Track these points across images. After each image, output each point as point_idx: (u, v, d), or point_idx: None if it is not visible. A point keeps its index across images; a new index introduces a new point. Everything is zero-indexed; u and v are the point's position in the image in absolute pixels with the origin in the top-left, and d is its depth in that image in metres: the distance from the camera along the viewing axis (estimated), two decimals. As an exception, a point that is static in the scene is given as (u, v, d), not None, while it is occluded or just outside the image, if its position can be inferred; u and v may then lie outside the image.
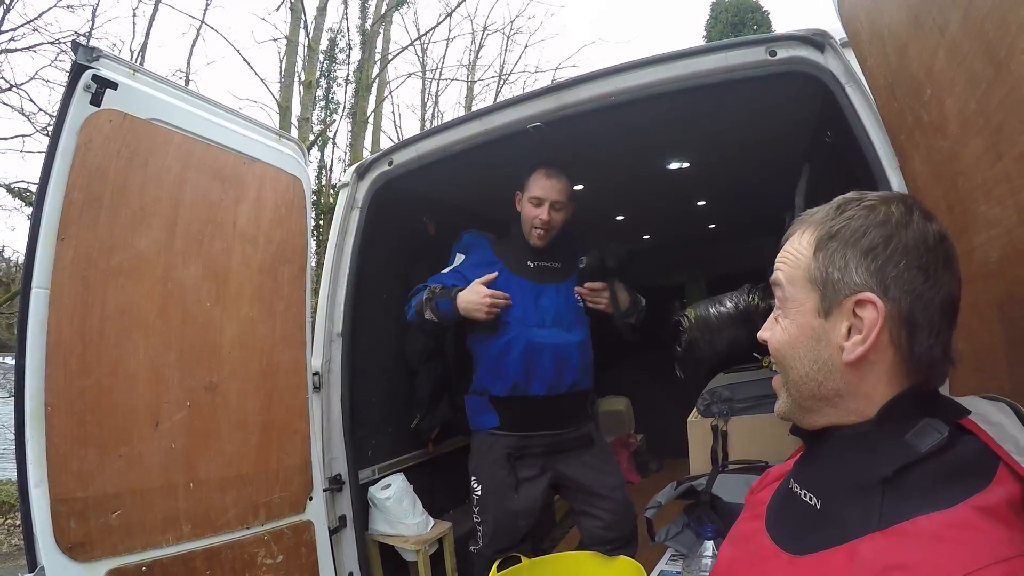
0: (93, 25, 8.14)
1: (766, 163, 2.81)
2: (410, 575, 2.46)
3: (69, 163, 1.40)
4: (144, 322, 1.55)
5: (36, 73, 7.82)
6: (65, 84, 1.44)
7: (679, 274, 5.51)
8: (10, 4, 7.01)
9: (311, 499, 1.91)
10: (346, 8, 11.95)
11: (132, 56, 8.76)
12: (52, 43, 7.30)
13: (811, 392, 0.72)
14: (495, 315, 1.99)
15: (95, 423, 1.42)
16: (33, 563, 1.31)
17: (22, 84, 7.29)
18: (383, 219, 2.43)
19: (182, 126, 1.65)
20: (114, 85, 1.46)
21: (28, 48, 7.26)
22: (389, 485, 2.39)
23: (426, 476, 2.68)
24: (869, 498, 0.63)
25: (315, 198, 9.15)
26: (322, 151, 11.76)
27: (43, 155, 1.40)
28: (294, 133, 9.31)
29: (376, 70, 12.22)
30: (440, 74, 14.83)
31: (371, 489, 2.37)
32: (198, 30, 9.93)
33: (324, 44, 11.60)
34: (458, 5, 13.61)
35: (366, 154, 10.11)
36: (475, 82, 15.15)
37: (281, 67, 10.70)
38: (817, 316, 0.71)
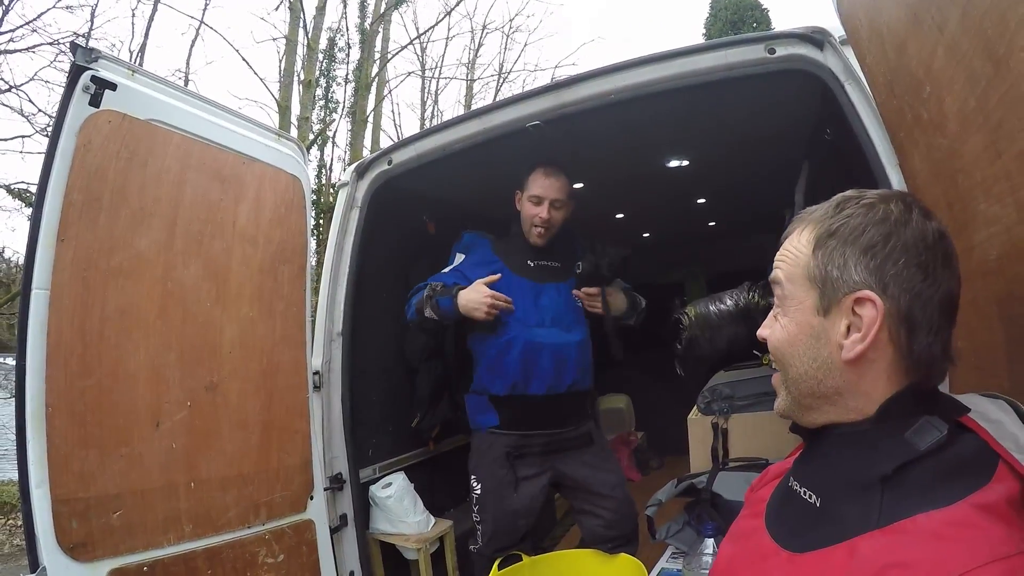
0: (92, 26, 8.13)
1: (766, 161, 2.81)
2: (411, 574, 2.46)
3: (68, 164, 1.40)
4: (144, 322, 1.55)
5: (35, 74, 7.81)
6: (64, 85, 1.44)
7: (679, 272, 5.51)
8: (9, 5, 7.00)
9: (312, 498, 1.91)
10: (345, 7, 11.94)
11: (131, 56, 8.75)
12: (51, 44, 7.29)
13: (810, 390, 0.72)
14: (494, 316, 1.99)
15: (96, 423, 1.43)
16: (35, 563, 1.32)
17: (21, 85, 7.29)
18: (383, 218, 2.43)
19: (181, 126, 1.65)
20: (113, 86, 1.46)
21: (27, 49, 7.25)
22: (390, 484, 2.39)
23: (427, 475, 2.68)
24: (868, 496, 0.64)
25: (315, 197, 9.15)
26: (322, 150, 11.76)
27: (43, 156, 1.40)
28: (294, 132, 9.32)
29: (375, 69, 12.21)
30: (439, 73, 14.83)
31: (372, 488, 2.38)
32: (197, 30, 9.93)
33: (323, 43, 11.59)
34: (457, 4, 13.59)
35: (366, 153, 10.10)
36: (474, 81, 15.15)
37: (280, 66, 10.70)
38: (816, 314, 0.71)
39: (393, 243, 2.61)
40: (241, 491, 1.72)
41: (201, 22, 9.82)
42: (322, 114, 11.84)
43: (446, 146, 2.18)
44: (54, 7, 7.55)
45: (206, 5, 9.99)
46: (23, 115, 7.32)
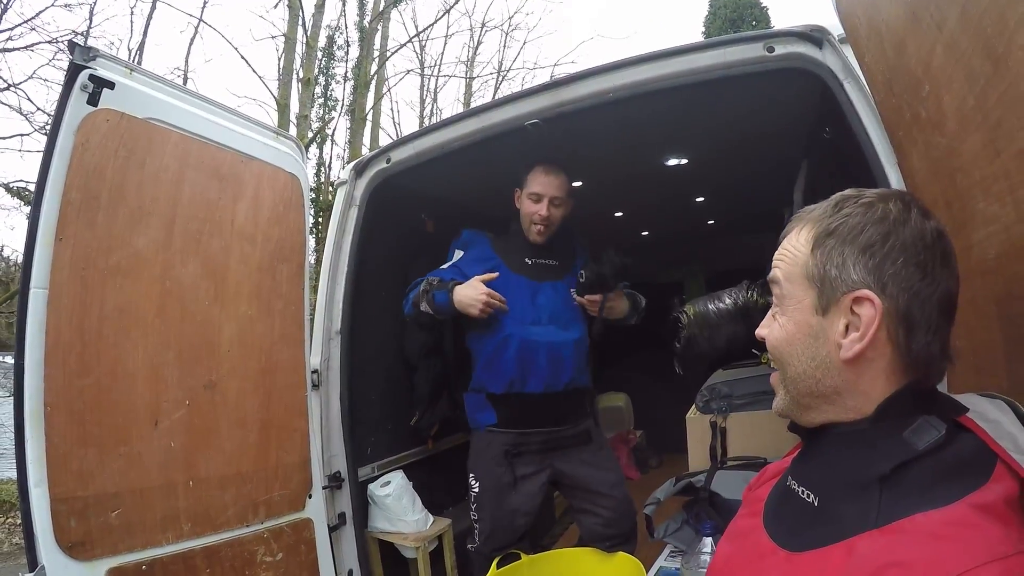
0: (91, 24, 8.13)
1: (764, 159, 2.80)
2: (410, 572, 2.46)
3: (67, 163, 1.40)
4: (143, 321, 1.55)
5: (34, 72, 7.83)
6: (62, 84, 1.43)
7: (678, 270, 5.51)
8: (8, 3, 7.00)
9: (310, 497, 1.92)
10: (344, 5, 11.95)
11: (130, 55, 8.76)
12: (50, 42, 7.30)
13: (809, 389, 0.72)
14: (488, 314, 1.99)
15: (94, 422, 1.43)
16: (34, 562, 1.32)
17: (20, 83, 7.30)
18: (381, 217, 2.43)
19: (179, 125, 1.64)
20: (111, 84, 1.46)
21: (26, 47, 7.25)
22: (388, 482, 2.39)
23: (425, 473, 2.68)
24: (867, 495, 0.64)
25: (314, 195, 9.15)
26: (321, 148, 11.78)
27: (41, 155, 1.40)
28: (293, 130, 9.32)
29: (374, 67, 12.21)
30: (438, 71, 14.83)
31: (370, 486, 2.38)
32: (196, 28, 9.94)
33: (322, 41, 11.60)
34: (456, 2, 13.59)
35: (365, 151, 10.10)
36: (473, 79, 15.14)
37: (279, 64, 10.71)
38: (815, 313, 0.71)
39: (392, 241, 2.61)
40: (240, 490, 1.72)
41: (200, 20, 9.83)
42: (321, 112, 11.85)
43: (445, 144, 2.18)
44: (52, 5, 7.57)
45: (205, 3, 10.01)
46: (22, 113, 7.33)
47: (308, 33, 10.64)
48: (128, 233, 1.52)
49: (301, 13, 10.45)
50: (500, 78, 15.18)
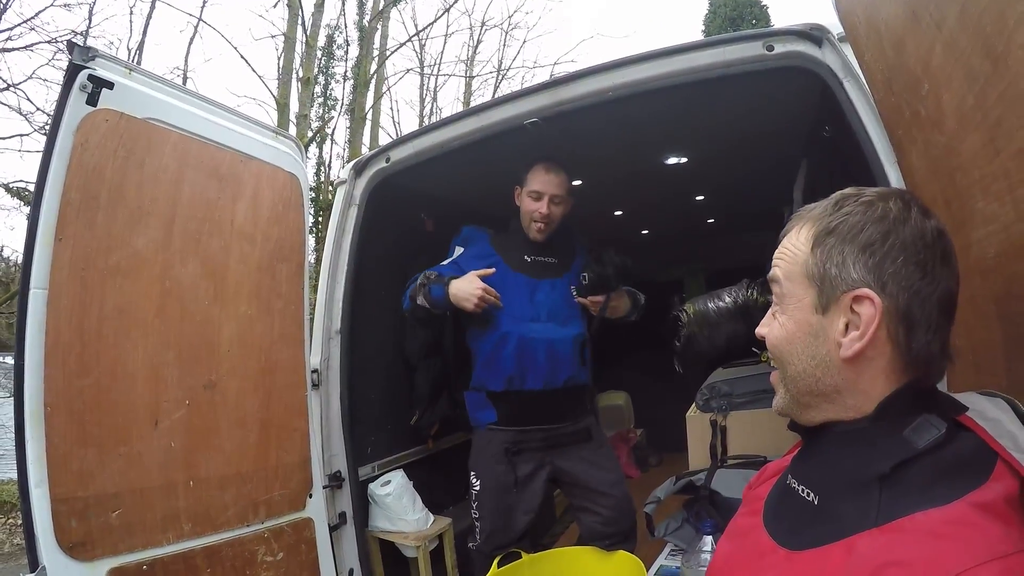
0: (90, 24, 8.13)
1: (764, 158, 2.81)
2: (410, 571, 2.47)
3: (66, 163, 1.40)
4: (142, 321, 1.55)
5: (33, 72, 7.82)
6: (61, 84, 1.43)
7: (678, 269, 5.51)
8: (7, 3, 6.99)
9: (311, 496, 1.92)
10: (343, 4, 11.95)
11: (129, 54, 8.76)
12: (49, 42, 7.29)
13: (809, 388, 0.72)
14: (482, 309, 1.99)
15: (94, 422, 1.43)
16: (35, 563, 1.32)
17: (19, 83, 7.29)
18: (381, 216, 2.43)
19: (179, 125, 1.64)
20: (110, 85, 1.46)
21: (25, 47, 7.25)
22: (389, 482, 2.40)
23: (426, 472, 2.69)
24: (866, 494, 0.64)
25: (313, 195, 9.15)
26: (320, 147, 11.77)
27: (40, 155, 1.40)
28: (292, 130, 9.31)
29: (374, 66, 12.20)
30: (438, 70, 14.82)
31: (371, 486, 2.38)
32: (195, 27, 9.93)
33: (322, 40, 11.59)
34: (456, 1, 13.57)
35: (365, 150, 10.10)
36: (473, 78, 15.13)
37: (279, 64, 10.69)
38: (815, 312, 0.71)
39: (391, 241, 2.61)
40: (240, 489, 1.72)
41: (199, 19, 9.82)
42: (321, 111, 11.85)
43: (444, 143, 2.18)
44: (52, 5, 7.55)
45: (204, 2, 10.01)
46: (21, 113, 7.32)
47: (308, 32, 10.64)
48: (127, 233, 1.52)
49: (300, 12, 10.44)
50: (500, 77, 15.18)
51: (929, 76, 0.96)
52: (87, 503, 1.39)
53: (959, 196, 0.96)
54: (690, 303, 2.73)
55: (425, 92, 14.80)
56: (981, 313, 0.92)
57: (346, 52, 12.37)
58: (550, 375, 2.08)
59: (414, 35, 13.77)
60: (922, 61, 0.97)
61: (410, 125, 15.23)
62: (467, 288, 1.97)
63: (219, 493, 1.67)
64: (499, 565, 1.95)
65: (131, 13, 9.08)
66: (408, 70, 14.31)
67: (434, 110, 14.78)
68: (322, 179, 11.43)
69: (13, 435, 1.34)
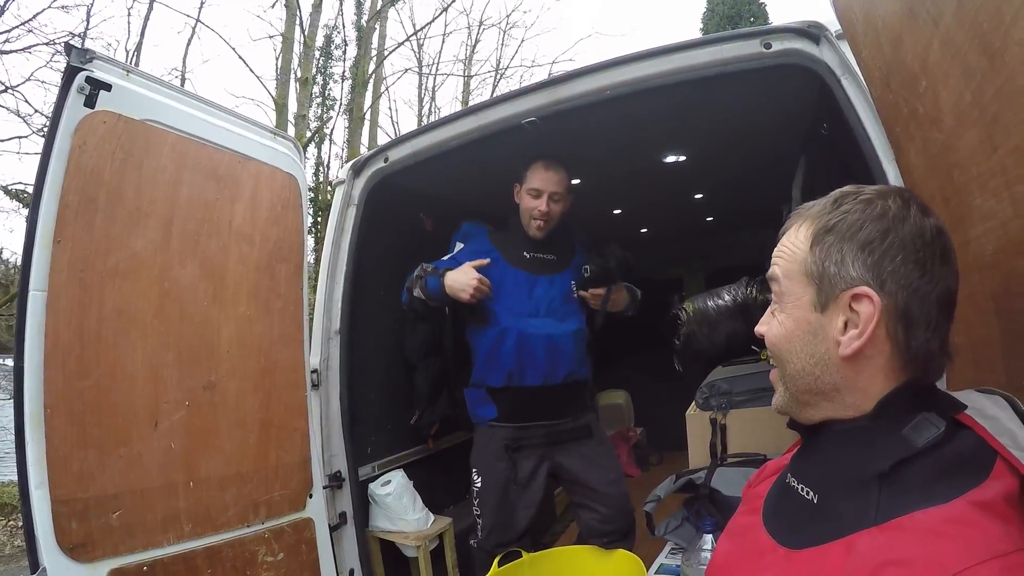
0: (88, 25, 8.12)
1: (763, 155, 2.81)
2: (411, 571, 2.47)
3: (64, 166, 1.39)
4: (142, 322, 1.54)
5: (31, 74, 7.82)
6: (59, 86, 1.43)
7: (677, 267, 5.52)
8: (5, 5, 6.98)
9: (311, 496, 1.91)
10: (341, 4, 11.95)
11: (127, 56, 8.75)
12: (47, 44, 7.29)
13: (808, 386, 0.72)
14: (477, 300, 1.98)
15: (94, 424, 1.43)
16: (35, 564, 1.32)
17: (17, 86, 7.29)
18: (380, 216, 2.43)
19: (176, 126, 1.64)
20: (108, 86, 1.46)
21: (23, 49, 7.24)
22: (389, 481, 2.40)
23: (426, 472, 2.69)
24: (866, 493, 0.63)
25: (312, 195, 9.14)
26: (319, 148, 11.76)
27: (39, 157, 1.40)
28: (291, 130, 9.31)
29: (372, 66, 12.19)
30: (436, 69, 14.81)
31: (371, 486, 2.38)
32: (193, 28, 9.93)
33: (320, 40, 11.58)
34: (453, 0, 13.56)
35: (363, 150, 10.09)
36: (471, 77, 15.13)
37: (277, 64, 10.69)
38: (813, 310, 0.71)
39: (390, 240, 2.61)
40: (240, 490, 1.72)
41: (197, 20, 9.82)
42: (319, 111, 11.84)
43: (442, 143, 2.18)
44: (50, 7, 7.54)
45: (202, 3, 9.99)
46: (19, 115, 7.32)
47: (306, 33, 10.64)
48: (126, 235, 1.52)
49: (298, 13, 10.44)
50: (498, 76, 15.19)
51: (927, 73, 0.96)
52: (87, 504, 1.39)
53: (957, 193, 0.96)
54: (689, 301, 2.74)
55: (423, 92, 14.81)
56: (979, 310, 0.92)
57: (344, 52, 12.37)
58: (550, 371, 2.09)
59: (412, 35, 13.77)
60: (920, 58, 0.97)
61: (408, 125, 15.22)
62: (462, 279, 1.97)
63: (219, 494, 1.67)
64: (499, 564, 1.95)
65: (129, 15, 9.09)
66: (406, 70, 14.28)
67: (432, 110, 14.80)
68: (321, 179, 11.43)
69: (13, 437, 1.34)
